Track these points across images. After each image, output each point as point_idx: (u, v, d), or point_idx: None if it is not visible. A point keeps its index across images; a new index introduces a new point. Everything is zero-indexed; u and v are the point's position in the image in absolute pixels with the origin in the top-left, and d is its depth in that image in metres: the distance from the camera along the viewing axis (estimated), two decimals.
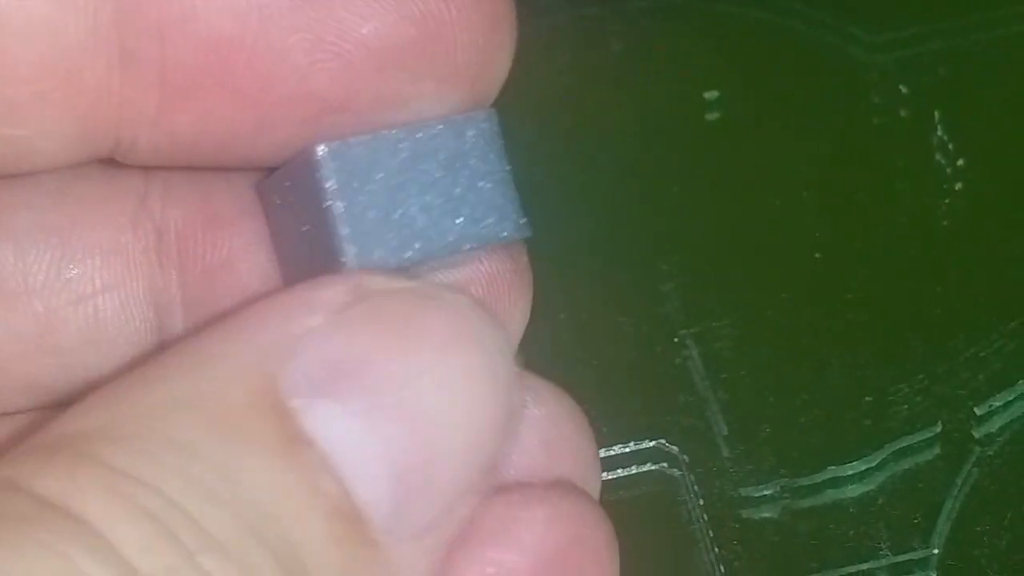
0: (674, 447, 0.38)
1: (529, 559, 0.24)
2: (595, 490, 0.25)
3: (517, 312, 0.25)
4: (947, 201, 0.43)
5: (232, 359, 0.21)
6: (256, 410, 0.20)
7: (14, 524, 0.19)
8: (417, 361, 0.21)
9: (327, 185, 0.22)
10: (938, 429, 0.38)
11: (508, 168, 0.23)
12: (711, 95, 0.46)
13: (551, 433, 0.25)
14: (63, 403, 0.25)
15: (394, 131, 0.23)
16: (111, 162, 0.24)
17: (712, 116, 0.46)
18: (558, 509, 0.24)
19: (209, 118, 0.22)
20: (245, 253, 0.25)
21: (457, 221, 0.23)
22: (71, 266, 0.25)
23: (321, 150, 0.22)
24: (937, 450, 0.38)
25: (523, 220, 0.23)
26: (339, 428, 0.20)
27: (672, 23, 0.48)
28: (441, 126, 0.23)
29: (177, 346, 0.21)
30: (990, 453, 0.38)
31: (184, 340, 0.22)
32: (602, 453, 0.38)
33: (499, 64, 0.23)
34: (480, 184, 0.23)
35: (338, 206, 0.22)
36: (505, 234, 0.23)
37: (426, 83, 0.23)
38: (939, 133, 0.45)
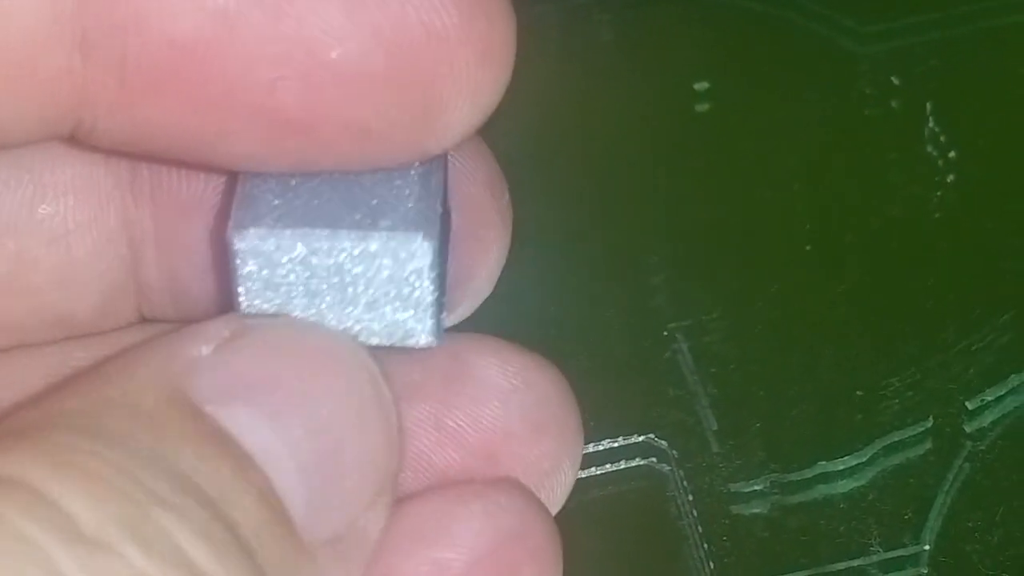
0: (663, 442, 0.38)
1: (464, 555, 0.24)
2: (576, 462, 0.25)
3: (494, 250, 0.25)
4: (939, 193, 0.43)
5: (144, 370, 0.21)
6: (176, 410, 0.21)
7: None
8: (308, 381, 0.22)
9: (236, 265, 0.22)
10: (929, 424, 0.38)
11: (436, 293, 0.22)
12: (701, 86, 0.46)
13: (540, 415, 0.25)
14: (33, 343, 0.25)
15: (325, 231, 0.22)
16: None
17: (702, 107, 0.46)
18: (496, 504, 0.24)
19: (167, 116, 0.22)
20: (218, 187, 0.24)
21: (369, 327, 0.23)
22: (44, 205, 0.25)
23: (237, 241, 0.22)
24: (928, 445, 0.38)
25: (438, 333, 0.23)
26: (251, 428, 0.21)
27: (662, 13, 0.48)
28: (378, 238, 0.22)
29: (93, 368, 0.22)
30: (982, 448, 0.38)
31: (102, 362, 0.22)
32: (591, 448, 0.38)
33: (482, 102, 0.22)
34: (403, 297, 0.22)
35: (243, 290, 0.22)
36: (413, 343, 0.23)
37: (398, 116, 0.22)
38: (931, 125, 0.44)
